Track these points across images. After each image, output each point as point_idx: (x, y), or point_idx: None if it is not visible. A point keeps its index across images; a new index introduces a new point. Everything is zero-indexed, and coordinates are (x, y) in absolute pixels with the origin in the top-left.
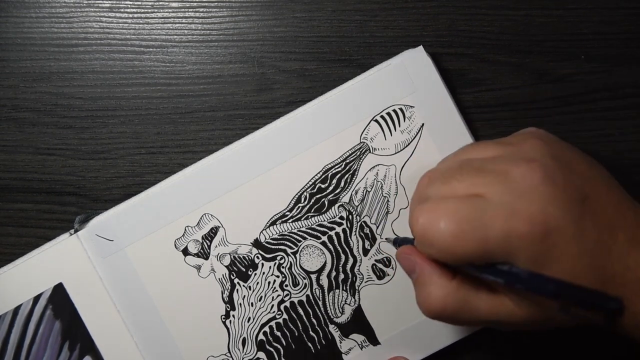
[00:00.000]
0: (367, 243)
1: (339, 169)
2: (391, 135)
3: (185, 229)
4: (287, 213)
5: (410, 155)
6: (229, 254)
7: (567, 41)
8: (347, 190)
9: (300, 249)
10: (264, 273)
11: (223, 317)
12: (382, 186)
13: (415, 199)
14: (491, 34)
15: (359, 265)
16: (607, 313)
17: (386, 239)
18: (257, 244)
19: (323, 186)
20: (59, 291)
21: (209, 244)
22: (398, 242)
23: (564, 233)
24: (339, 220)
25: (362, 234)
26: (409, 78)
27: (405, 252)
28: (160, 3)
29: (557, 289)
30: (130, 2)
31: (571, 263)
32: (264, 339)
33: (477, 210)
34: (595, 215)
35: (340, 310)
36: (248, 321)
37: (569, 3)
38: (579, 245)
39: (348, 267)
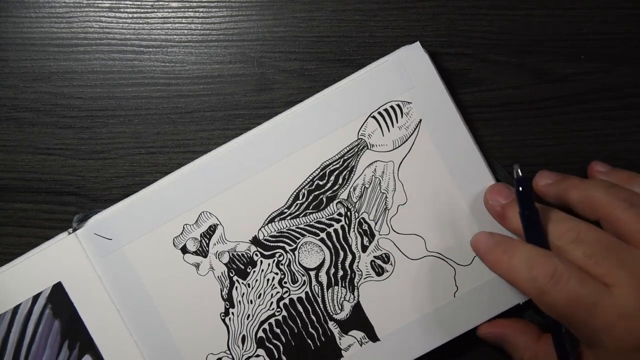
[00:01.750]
0: (365, 239)
1: (337, 165)
2: (389, 131)
3: (183, 227)
4: (286, 210)
5: (408, 152)
6: (228, 251)
7: (567, 41)
8: (345, 186)
9: (298, 246)
10: (262, 270)
11: (222, 314)
12: (380, 182)
13: (551, 233)
14: (491, 34)
15: (358, 262)
16: None
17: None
18: (255, 241)
19: (321, 183)
20: (58, 290)
21: (207, 241)
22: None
23: None
24: (338, 217)
25: (360, 230)
26: (406, 74)
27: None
28: (160, 3)
29: None
30: (130, 2)
31: None
32: (264, 336)
33: (596, 298)
34: None
35: (340, 306)
36: (247, 318)
37: (569, 3)
38: None
39: (347, 263)
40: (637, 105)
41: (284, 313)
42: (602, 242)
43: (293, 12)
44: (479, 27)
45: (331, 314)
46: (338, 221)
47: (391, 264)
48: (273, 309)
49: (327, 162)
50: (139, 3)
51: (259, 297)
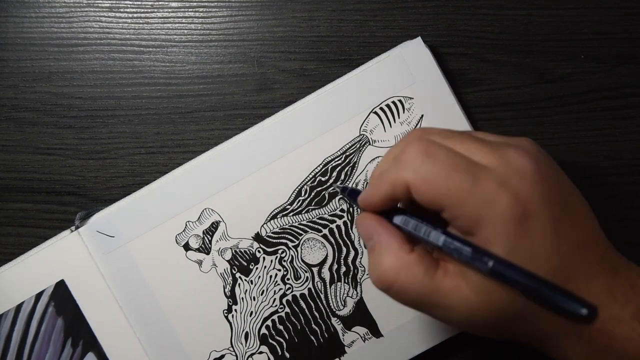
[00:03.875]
0: None
1: (339, 161)
2: (390, 127)
3: (186, 224)
4: (288, 206)
5: None
6: (230, 248)
7: (567, 41)
8: (348, 182)
9: (301, 242)
10: (265, 267)
11: (225, 311)
12: None
13: (413, 135)
14: (491, 34)
15: (361, 258)
16: (578, 318)
17: (335, 185)
18: (258, 238)
19: (323, 179)
20: (61, 288)
21: (210, 238)
22: (347, 192)
23: (543, 225)
24: (340, 213)
25: None
26: (407, 69)
27: (364, 218)
28: (160, 3)
29: (529, 282)
30: (130, 2)
31: (540, 258)
32: (267, 332)
33: (472, 167)
34: (571, 224)
35: (343, 303)
36: (250, 315)
37: (569, 3)
38: (553, 243)
39: (349, 259)
40: (637, 105)
41: (287, 310)
42: (456, 131)
43: (293, 12)
44: (479, 27)
45: (334, 310)
46: (340, 217)
47: None
48: (276, 305)
49: (329, 158)
50: (139, 3)
51: (261, 294)
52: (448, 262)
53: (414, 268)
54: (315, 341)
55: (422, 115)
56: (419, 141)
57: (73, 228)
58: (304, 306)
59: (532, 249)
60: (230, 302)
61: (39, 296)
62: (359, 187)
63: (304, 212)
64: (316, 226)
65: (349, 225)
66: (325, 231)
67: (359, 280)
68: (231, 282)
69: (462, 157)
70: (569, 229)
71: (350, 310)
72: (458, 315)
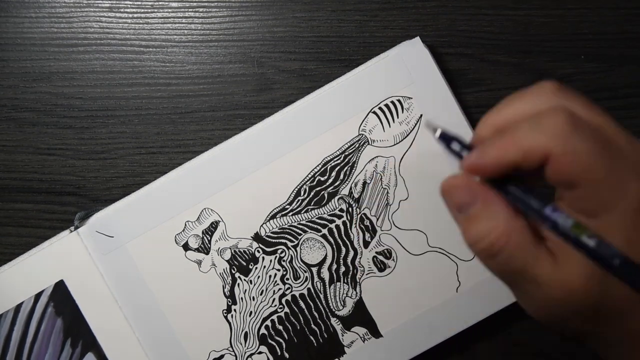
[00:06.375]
0: (367, 235)
1: (338, 161)
2: (389, 126)
3: (185, 224)
4: (287, 206)
5: (409, 147)
6: (230, 248)
7: (567, 41)
8: (347, 182)
9: (300, 242)
10: (264, 267)
11: (225, 311)
12: (381, 178)
13: (552, 96)
14: (491, 34)
15: (360, 258)
16: None
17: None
18: (257, 237)
19: (322, 179)
20: (60, 288)
21: (209, 238)
22: (447, 137)
23: None
24: (339, 213)
25: (362, 226)
26: (406, 69)
27: (466, 182)
28: (160, 3)
29: None
30: (130, 2)
31: None
32: (266, 332)
33: (613, 148)
34: None
35: (342, 303)
36: (250, 315)
37: (569, 3)
38: None
39: (349, 259)
40: (637, 105)
41: (287, 310)
42: None
43: (293, 12)
44: (479, 27)
45: (334, 310)
46: (340, 217)
47: (393, 260)
48: (275, 305)
49: (328, 158)
50: (139, 3)
51: (261, 294)
52: (550, 238)
53: (524, 234)
54: (314, 341)
55: (421, 115)
56: (563, 109)
57: (72, 228)
58: (303, 306)
59: None
60: (229, 302)
61: (38, 296)
62: (358, 186)
63: (303, 212)
64: (315, 226)
65: (348, 225)
66: (325, 231)
67: (358, 281)
68: (230, 282)
69: (602, 134)
70: None
71: (349, 311)
72: (549, 294)
